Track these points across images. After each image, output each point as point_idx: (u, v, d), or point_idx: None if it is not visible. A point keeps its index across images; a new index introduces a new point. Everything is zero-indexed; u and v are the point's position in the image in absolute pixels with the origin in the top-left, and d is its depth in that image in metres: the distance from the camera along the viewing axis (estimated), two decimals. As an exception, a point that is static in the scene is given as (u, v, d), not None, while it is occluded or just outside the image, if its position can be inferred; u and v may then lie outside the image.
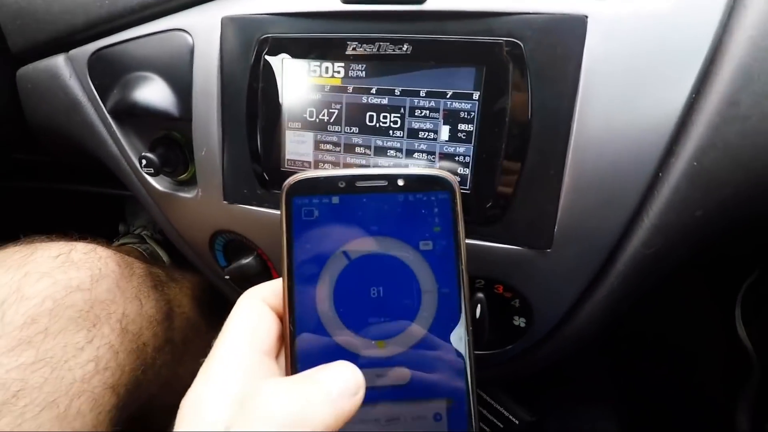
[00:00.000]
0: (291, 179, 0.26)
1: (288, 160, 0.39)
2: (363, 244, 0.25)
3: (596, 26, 0.29)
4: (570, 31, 0.29)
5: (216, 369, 0.21)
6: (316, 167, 0.38)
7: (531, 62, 0.31)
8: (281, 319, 0.25)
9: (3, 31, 0.48)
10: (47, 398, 0.33)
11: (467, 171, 0.34)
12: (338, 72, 0.35)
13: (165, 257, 0.77)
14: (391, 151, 0.35)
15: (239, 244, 0.45)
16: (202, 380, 0.21)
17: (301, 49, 0.36)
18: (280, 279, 0.27)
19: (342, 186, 0.26)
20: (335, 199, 0.25)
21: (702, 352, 0.61)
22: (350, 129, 0.36)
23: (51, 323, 0.36)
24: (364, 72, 0.35)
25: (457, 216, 0.25)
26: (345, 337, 0.24)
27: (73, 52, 0.46)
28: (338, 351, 0.24)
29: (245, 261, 0.45)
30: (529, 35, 0.30)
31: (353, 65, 0.35)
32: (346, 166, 0.37)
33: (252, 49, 0.37)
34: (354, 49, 0.34)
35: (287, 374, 0.23)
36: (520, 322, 0.38)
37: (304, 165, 0.38)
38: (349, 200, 0.25)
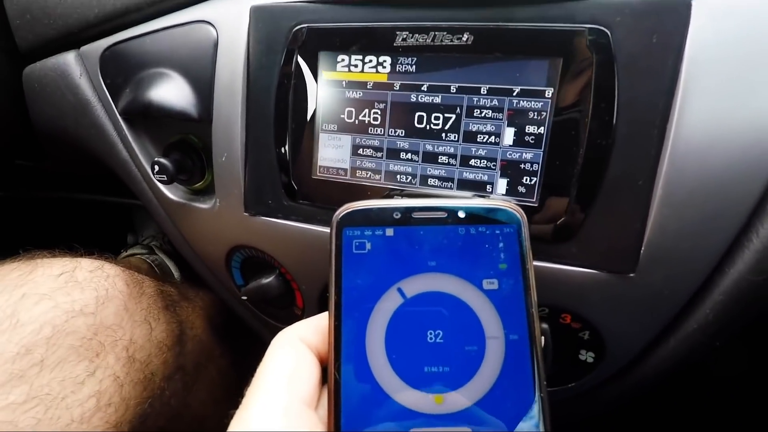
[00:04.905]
0: (342, 209, 0.24)
1: (321, 167, 0.34)
2: (420, 282, 0.23)
3: (703, 9, 0.24)
4: (670, 16, 0.25)
5: (251, 423, 0.19)
6: (354, 175, 0.33)
7: (619, 53, 0.26)
8: (321, 362, 0.22)
9: (11, 27, 0.44)
10: (40, 443, 0.28)
11: (534, 180, 0.29)
12: (383, 66, 0.31)
13: (174, 269, 0.73)
14: (443, 158, 0.31)
15: (259, 262, 0.41)
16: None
17: (341, 40, 0.31)
18: (320, 316, 0.24)
19: (397, 217, 0.23)
20: (389, 232, 0.23)
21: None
22: (395, 132, 0.31)
23: (48, 353, 0.31)
24: (414, 66, 0.30)
25: (525, 252, 0.23)
26: (397, 388, 0.21)
27: (84, 48, 0.42)
28: (389, 405, 0.21)
29: (266, 280, 0.40)
30: (618, 21, 0.26)
31: (402, 58, 0.30)
32: (389, 174, 0.32)
33: (284, 42, 0.33)
34: (404, 39, 0.30)
35: (329, 429, 0.21)
36: (587, 357, 0.33)
37: (339, 173, 0.33)
38: (404, 233, 0.23)
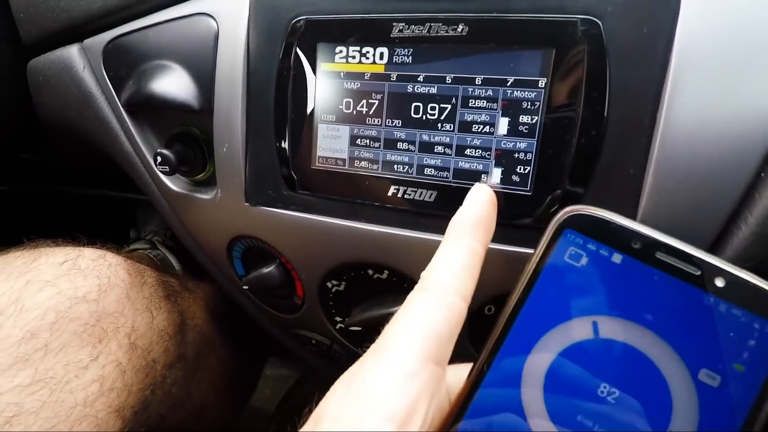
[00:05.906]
0: (573, 208, 0.21)
1: (319, 157, 0.35)
2: (623, 328, 0.19)
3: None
4: (660, 6, 0.25)
5: (376, 383, 0.18)
6: (351, 165, 0.34)
7: (611, 43, 0.26)
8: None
9: (15, 20, 0.45)
10: (45, 425, 0.29)
11: (528, 169, 0.29)
12: (381, 58, 0.31)
13: (176, 264, 0.74)
14: (439, 147, 0.31)
15: (260, 252, 0.41)
16: (358, 392, 0.18)
17: (339, 32, 0.32)
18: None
19: (635, 246, 0.19)
20: (617, 258, 0.20)
21: None
22: (392, 122, 0.32)
23: (52, 338, 0.32)
24: (410, 57, 0.31)
25: None
26: (539, 419, 0.19)
27: (87, 41, 0.43)
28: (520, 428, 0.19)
29: (266, 270, 0.41)
30: (609, 12, 0.26)
31: (398, 50, 0.31)
32: (386, 163, 0.33)
33: (283, 33, 0.33)
34: (400, 30, 0.30)
35: (450, 414, 0.20)
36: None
37: (338, 163, 0.34)
38: (634, 267, 0.19)
